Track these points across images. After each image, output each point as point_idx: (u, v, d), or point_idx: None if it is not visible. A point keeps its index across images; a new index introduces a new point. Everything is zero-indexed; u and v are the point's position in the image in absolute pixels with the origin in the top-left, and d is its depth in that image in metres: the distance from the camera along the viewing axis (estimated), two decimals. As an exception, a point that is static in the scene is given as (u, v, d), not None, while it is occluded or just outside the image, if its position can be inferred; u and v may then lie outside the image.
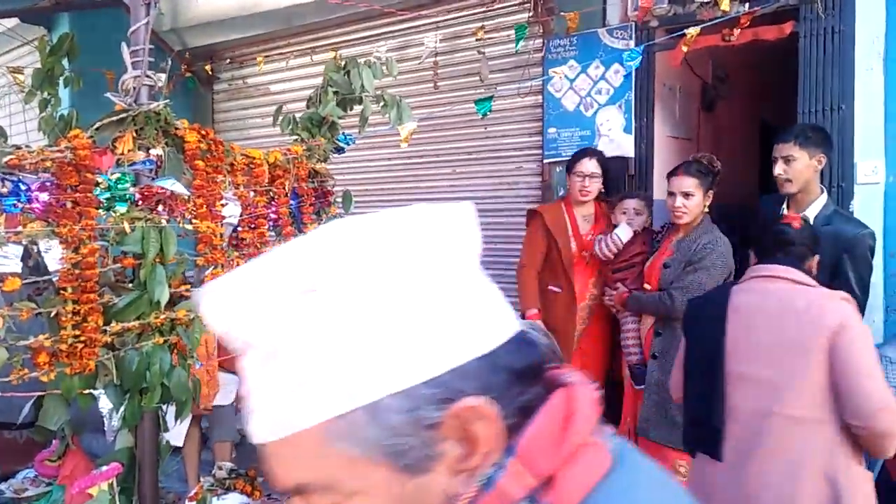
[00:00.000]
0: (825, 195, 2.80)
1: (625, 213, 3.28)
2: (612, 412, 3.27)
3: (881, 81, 3.06)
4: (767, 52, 3.77)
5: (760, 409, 1.97)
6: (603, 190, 3.45)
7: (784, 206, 2.85)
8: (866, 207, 3.11)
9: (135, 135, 1.88)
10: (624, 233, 3.17)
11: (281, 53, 5.25)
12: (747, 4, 3.29)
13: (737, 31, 3.28)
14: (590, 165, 3.37)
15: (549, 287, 3.45)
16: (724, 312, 2.09)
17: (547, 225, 3.41)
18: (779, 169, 2.78)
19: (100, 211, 1.76)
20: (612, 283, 3.29)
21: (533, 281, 3.43)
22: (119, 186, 1.83)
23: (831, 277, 2.58)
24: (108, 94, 1.99)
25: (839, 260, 2.63)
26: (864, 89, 3.10)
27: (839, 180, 3.17)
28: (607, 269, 3.32)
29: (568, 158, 3.84)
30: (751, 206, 5.30)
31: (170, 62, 2.07)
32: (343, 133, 2.64)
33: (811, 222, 2.38)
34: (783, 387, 1.92)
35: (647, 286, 3.09)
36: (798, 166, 2.75)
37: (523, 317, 3.33)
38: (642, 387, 3.06)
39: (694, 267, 2.93)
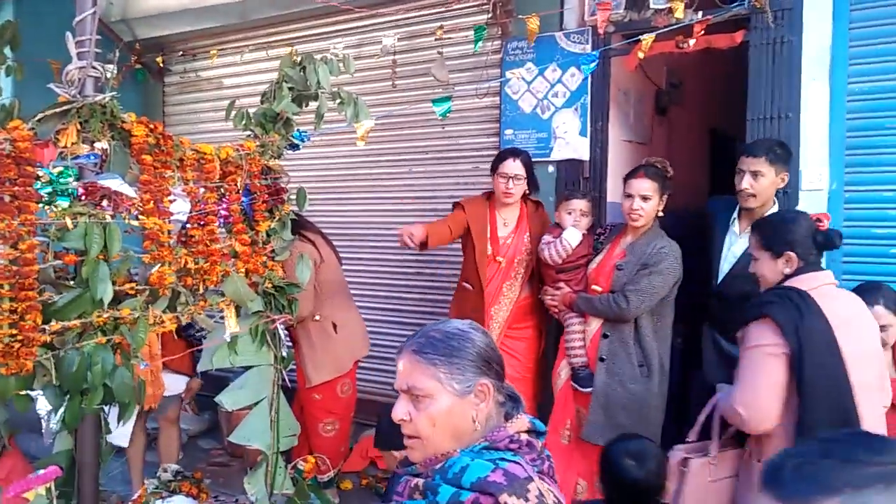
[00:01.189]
0: (776, 206, 2.87)
1: (570, 213, 3.27)
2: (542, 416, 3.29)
3: (826, 91, 3.16)
4: (719, 60, 3.86)
5: (879, 412, 2.11)
6: (528, 191, 3.42)
7: (735, 213, 2.91)
8: (811, 214, 3.20)
9: (79, 127, 1.82)
10: (574, 237, 3.17)
11: (235, 47, 5.15)
12: (701, 13, 3.36)
13: (691, 41, 3.34)
14: (514, 167, 3.32)
15: (463, 283, 3.45)
16: (827, 323, 2.05)
17: (468, 220, 3.38)
18: (745, 183, 2.78)
19: (40, 206, 1.69)
20: (555, 284, 3.28)
21: (440, 224, 3.41)
22: (61, 180, 1.76)
23: None
24: (51, 85, 1.91)
25: None
26: (809, 99, 3.20)
27: (785, 186, 3.26)
28: (550, 270, 3.31)
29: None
30: (701, 210, 5.42)
31: (117, 53, 2.00)
32: (298, 130, 2.60)
33: None
34: (882, 386, 2.14)
35: (596, 288, 3.10)
36: (765, 182, 2.76)
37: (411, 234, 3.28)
38: (587, 389, 3.08)
39: (649, 270, 2.96)
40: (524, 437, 1.32)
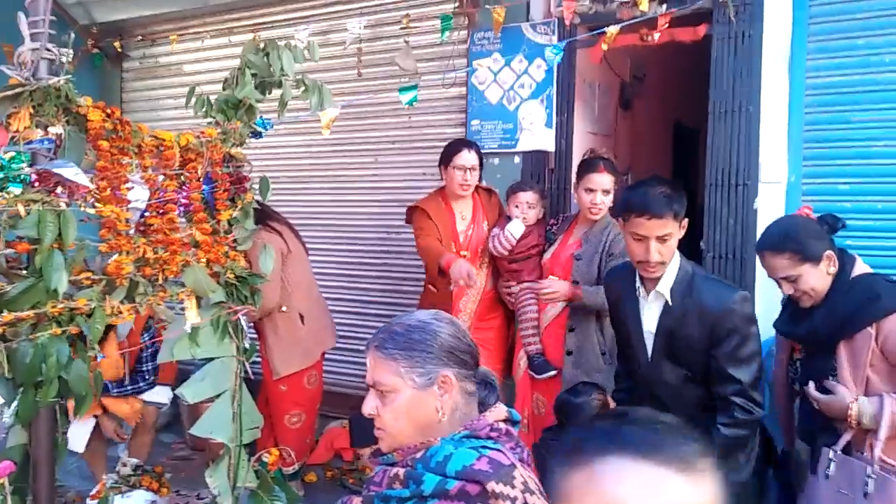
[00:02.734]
0: (677, 256, 2.21)
1: (518, 206, 3.28)
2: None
3: (786, 84, 3.22)
4: (682, 54, 3.91)
5: None
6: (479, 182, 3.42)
7: (637, 279, 2.26)
8: (769, 206, 3.27)
9: (32, 111, 1.75)
10: (516, 229, 3.18)
11: (196, 33, 5.03)
12: (665, 6, 3.39)
13: (656, 35, 3.37)
14: (470, 158, 3.31)
15: (429, 287, 3.43)
16: None
17: (433, 221, 3.34)
18: (654, 253, 2.09)
19: (-10, 192, 1.63)
20: (508, 274, 3.29)
21: (434, 242, 3.32)
22: (13, 166, 1.70)
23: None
24: (2, 67, 1.85)
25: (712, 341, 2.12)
26: (769, 91, 3.26)
27: (744, 179, 3.32)
28: (503, 261, 3.32)
29: (491, 152, 3.87)
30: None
31: (72, 36, 1.93)
32: (261, 117, 2.56)
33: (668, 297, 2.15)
34: None
35: (552, 278, 3.12)
36: (673, 244, 2.14)
37: (440, 271, 3.23)
38: (543, 376, 3.11)
39: (615, 257, 2.99)
40: (503, 425, 1.34)
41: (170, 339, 2.23)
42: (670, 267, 2.16)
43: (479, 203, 3.45)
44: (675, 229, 2.10)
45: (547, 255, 3.21)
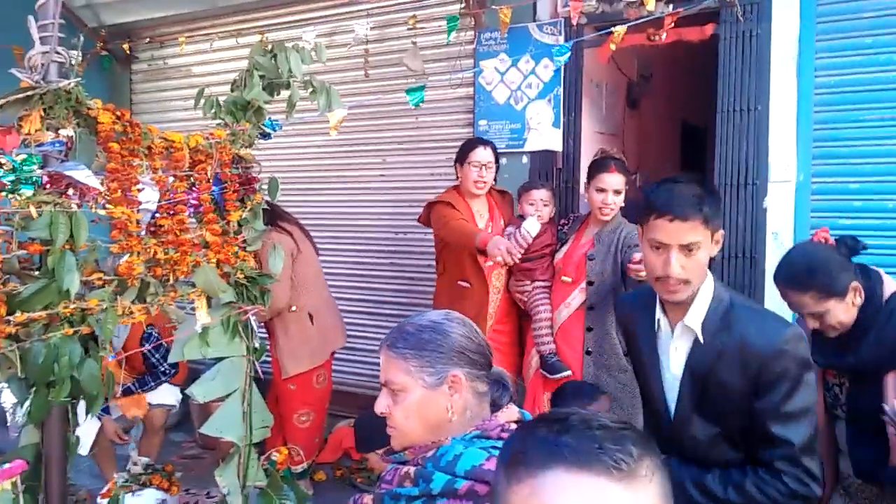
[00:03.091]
0: (709, 280, 1.72)
1: (532, 203, 3.28)
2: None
3: (794, 83, 3.22)
4: (690, 53, 3.90)
5: None
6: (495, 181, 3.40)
7: (658, 308, 1.78)
8: (778, 205, 3.26)
9: (43, 114, 1.77)
10: (533, 227, 3.17)
11: (205, 34, 5.06)
12: (672, 5, 3.39)
13: (663, 34, 3.37)
14: (486, 155, 3.30)
15: (459, 282, 3.33)
16: None
17: (458, 210, 3.28)
18: (674, 267, 1.62)
19: (3, 194, 1.65)
20: (521, 273, 3.27)
21: (467, 223, 3.23)
22: (25, 168, 1.72)
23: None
24: (13, 70, 1.86)
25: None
26: (778, 91, 3.25)
27: (753, 178, 3.31)
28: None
29: (499, 152, 3.86)
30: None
31: (81, 39, 1.95)
32: (269, 118, 2.57)
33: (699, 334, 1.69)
34: None
35: (566, 279, 3.13)
36: (702, 256, 1.65)
37: (481, 250, 3.07)
38: (557, 376, 3.11)
39: (637, 248, 2.97)
40: (514, 426, 1.33)
41: (181, 338, 2.24)
42: (702, 293, 1.69)
43: (493, 203, 3.45)
44: (706, 239, 1.63)
45: (559, 255, 3.21)
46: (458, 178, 3.41)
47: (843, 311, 1.98)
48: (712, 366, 1.67)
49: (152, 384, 3.56)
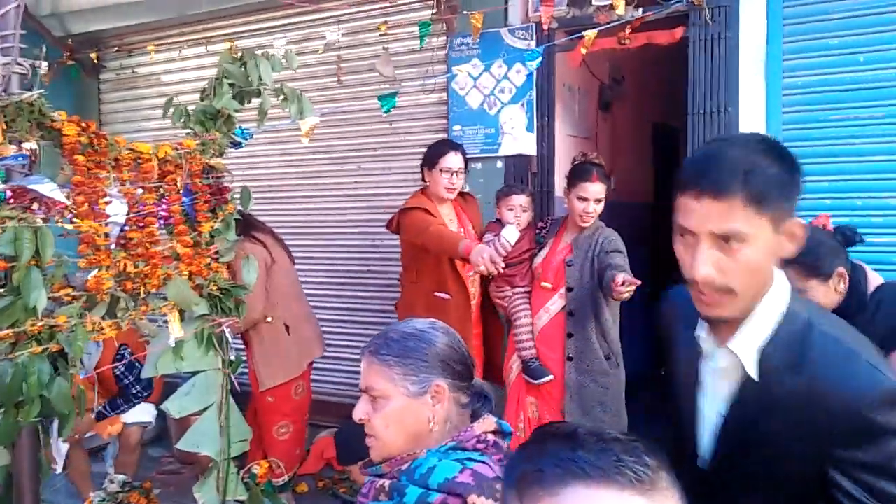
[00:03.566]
0: (775, 281, 1.20)
1: (511, 209, 3.25)
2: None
3: (762, 85, 3.26)
4: (661, 56, 3.94)
5: None
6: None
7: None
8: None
9: (4, 127, 1.73)
10: (512, 235, 3.13)
11: (173, 42, 5.00)
12: (641, 10, 3.42)
13: (631, 36, 3.40)
14: (457, 161, 3.24)
15: (435, 294, 3.24)
16: None
17: (428, 212, 3.19)
18: (705, 266, 1.11)
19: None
20: (501, 279, 3.25)
21: (449, 229, 3.18)
22: (-12, 183, 1.67)
23: None
24: (-27, 82, 1.81)
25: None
26: (747, 92, 3.29)
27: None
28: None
29: (473, 157, 3.86)
30: (646, 203, 5.53)
31: (44, 49, 1.91)
32: (240, 127, 2.54)
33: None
34: None
35: (545, 284, 3.13)
36: (752, 255, 1.11)
37: (462, 256, 2.98)
38: (539, 381, 3.11)
39: (613, 254, 2.98)
40: (491, 437, 1.31)
41: (154, 353, 2.20)
42: (762, 310, 1.15)
43: (458, 206, 3.41)
44: (759, 230, 1.08)
45: (538, 260, 3.21)
46: (425, 181, 3.33)
47: (823, 294, 1.94)
48: (770, 411, 1.14)
49: (124, 407, 3.47)
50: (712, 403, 1.24)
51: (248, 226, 3.18)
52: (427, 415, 1.32)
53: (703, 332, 1.23)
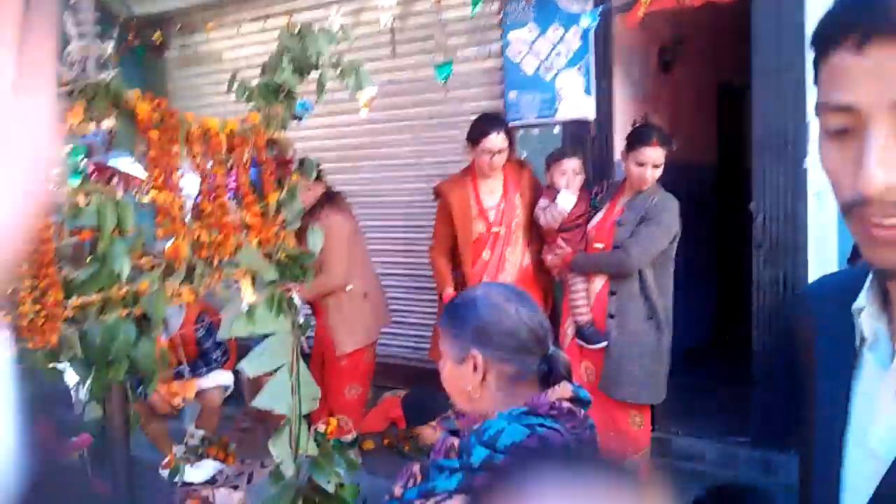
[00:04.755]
0: None
1: (563, 173, 3.25)
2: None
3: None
4: (723, 14, 3.82)
5: None
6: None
7: (865, 296, 0.72)
8: (819, 164, 3.20)
9: (85, 107, 1.84)
10: (567, 201, 3.15)
11: (233, 19, 5.12)
12: (701, -36, 3.32)
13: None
14: (497, 140, 3.23)
15: (455, 271, 3.45)
16: None
17: (450, 208, 3.35)
18: (884, 173, 0.60)
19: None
20: (554, 244, 3.28)
21: (442, 262, 3.44)
22: (71, 160, 1.79)
23: None
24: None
25: None
26: (814, 47, 3.16)
27: (793, 138, 3.24)
28: (550, 233, 3.31)
29: (530, 123, 3.86)
30: (708, 164, 5.40)
31: (117, 31, 2.01)
32: (301, 100, 2.61)
33: None
34: None
35: (598, 245, 3.14)
36: None
37: (441, 298, 3.33)
38: (594, 346, 3.13)
39: (649, 223, 2.99)
40: (565, 404, 1.31)
41: (228, 317, 2.32)
42: None
43: (508, 176, 3.42)
44: None
45: (592, 223, 3.21)
46: (469, 154, 3.35)
47: None
48: None
49: (203, 369, 3.70)
50: (873, 438, 0.71)
51: (330, 197, 3.34)
52: (469, 380, 1.35)
53: (869, 306, 0.72)
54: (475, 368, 1.36)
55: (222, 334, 2.36)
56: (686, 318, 3.30)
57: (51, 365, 1.76)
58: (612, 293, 3.11)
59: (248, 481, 3.00)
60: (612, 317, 3.10)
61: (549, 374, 1.40)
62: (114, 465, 1.97)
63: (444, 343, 1.40)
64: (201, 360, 3.71)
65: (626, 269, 3.03)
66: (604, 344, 3.12)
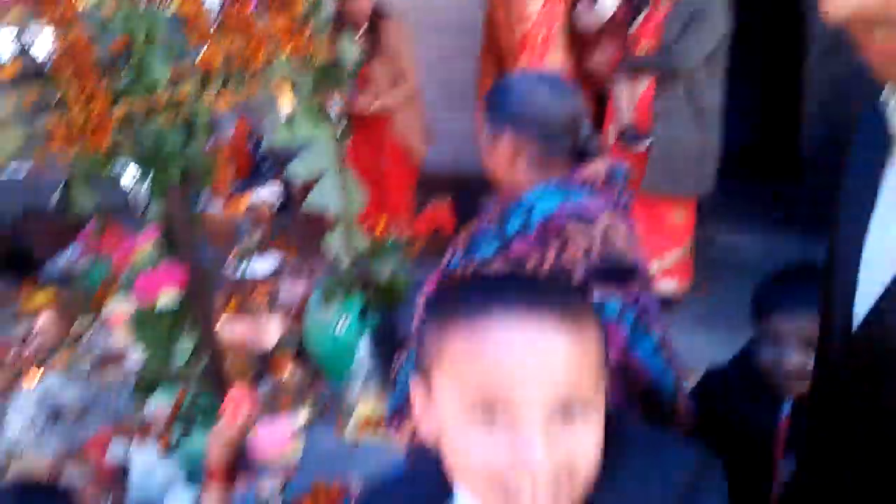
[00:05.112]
0: None
1: None
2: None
3: None
4: None
5: None
6: None
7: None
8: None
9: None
10: (609, 2, 3.02)
11: None
12: None
13: None
14: None
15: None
16: None
17: (494, 11, 3.31)
18: None
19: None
20: (597, 46, 3.20)
21: (488, 68, 3.49)
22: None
23: None
24: None
25: None
26: None
27: None
28: (588, 36, 3.22)
29: None
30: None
31: None
32: None
33: None
34: None
35: (643, 46, 3.06)
36: None
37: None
38: (637, 148, 3.14)
39: (697, 21, 2.87)
40: (600, 179, 1.35)
41: (268, 126, 2.49)
42: None
43: None
44: None
45: (637, 23, 3.11)
46: None
47: None
48: None
49: (254, 185, 3.98)
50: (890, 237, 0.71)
51: (381, 8, 3.43)
52: (503, 160, 1.43)
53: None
54: (508, 147, 1.42)
55: (267, 143, 2.56)
56: (734, 119, 3.22)
57: (106, 168, 2.01)
58: (658, 95, 3.06)
59: (309, 276, 3.34)
60: (656, 118, 3.08)
61: (585, 154, 1.43)
62: (180, 255, 2.27)
63: (483, 124, 1.46)
64: (252, 177, 3.98)
65: (674, 70, 2.96)
66: (647, 144, 3.13)
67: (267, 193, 4.13)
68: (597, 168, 1.38)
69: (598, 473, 0.65)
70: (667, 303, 3.45)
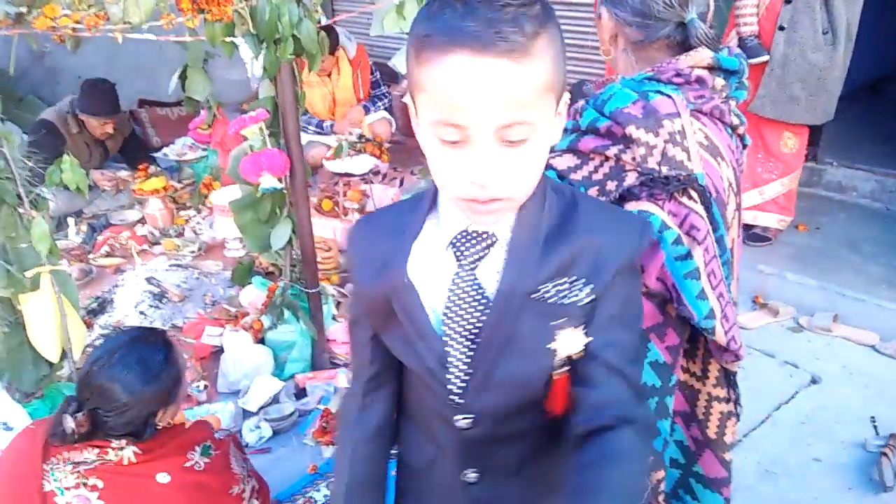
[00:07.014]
0: None
1: None
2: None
3: None
4: None
5: None
6: None
7: None
8: None
9: None
10: None
11: None
12: None
13: None
14: None
15: None
16: None
17: None
18: None
19: None
20: None
21: None
22: None
23: None
24: None
25: None
26: None
27: None
28: None
29: None
30: None
31: None
32: None
33: None
34: None
35: None
36: None
37: None
38: (755, 61, 2.92)
39: None
40: (696, 72, 1.22)
41: (379, 12, 2.42)
42: None
43: None
44: None
45: None
46: None
47: None
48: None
49: (371, 108, 4.01)
50: None
51: None
52: (602, 41, 1.34)
53: None
54: (606, 29, 1.32)
55: (374, 30, 2.48)
56: (871, 46, 2.94)
57: (228, 39, 2.00)
58: (788, 1, 2.83)
59: (400, 184, 3.33)
60: (781, 28, 2.85)
61: (686, 42, 1.28)
62: (287, 138, 2.28)
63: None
64: (370, 101, 4.04)
65: None
66: (765, 58, 2.91)
67: (380, 114, 4.11)
68: (697, 58, 1.23)
69: (554, 217, 0.85)
70: (760, 237, 3.29)
